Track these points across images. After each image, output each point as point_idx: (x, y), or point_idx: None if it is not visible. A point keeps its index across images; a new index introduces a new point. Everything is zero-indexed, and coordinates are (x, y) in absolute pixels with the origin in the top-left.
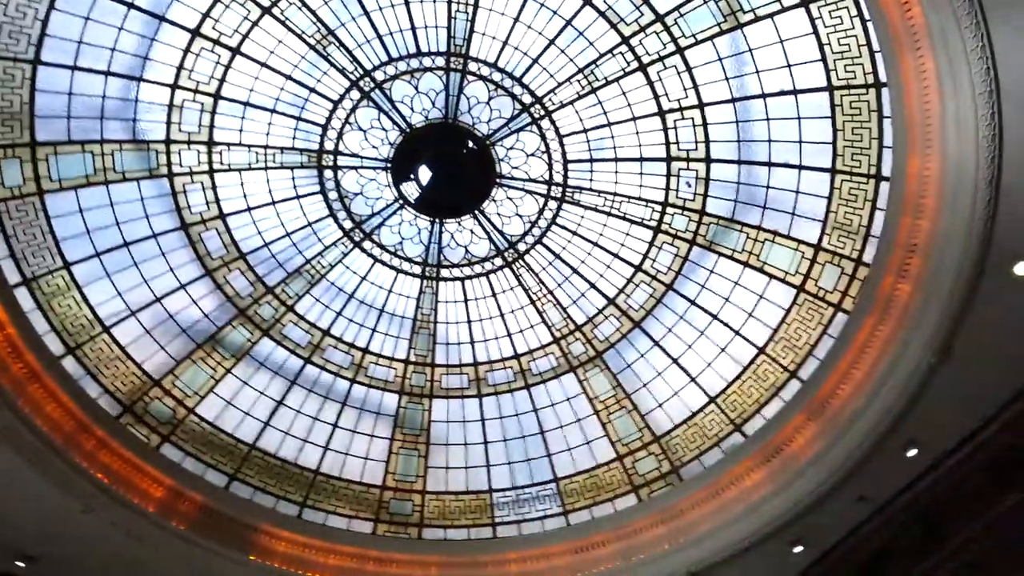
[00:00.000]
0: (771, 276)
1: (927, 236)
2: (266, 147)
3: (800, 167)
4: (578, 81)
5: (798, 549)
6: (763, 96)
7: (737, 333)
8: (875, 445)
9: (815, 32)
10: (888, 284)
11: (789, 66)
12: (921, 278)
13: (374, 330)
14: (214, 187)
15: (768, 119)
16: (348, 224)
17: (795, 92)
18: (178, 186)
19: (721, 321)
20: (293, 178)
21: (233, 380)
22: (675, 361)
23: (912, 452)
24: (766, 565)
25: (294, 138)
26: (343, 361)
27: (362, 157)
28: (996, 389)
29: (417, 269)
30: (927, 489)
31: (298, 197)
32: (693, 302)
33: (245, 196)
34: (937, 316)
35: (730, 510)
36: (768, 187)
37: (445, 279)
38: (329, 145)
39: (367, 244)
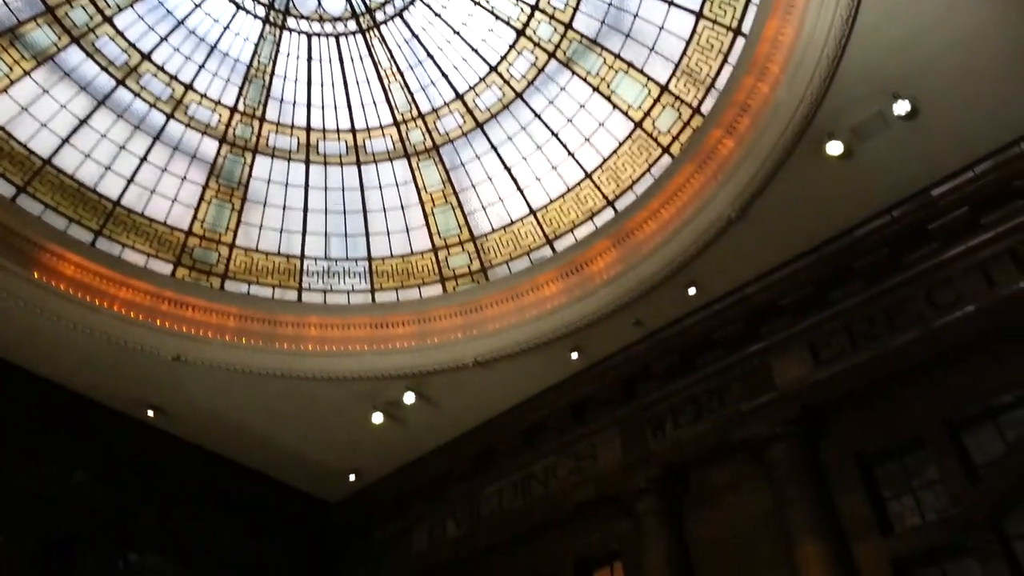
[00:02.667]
0: (615, 106)
1: (762, 100)
2: None
3: (670, 3)
4: None
5: (574, 355)
6: None
7: (571, 155)
8: (662, 280)
9: None
10: (715, 137)
11: None
12: (745, 138)
13: (202, 67)
14: None
15: None
16: None
17: None
18: None
19: (559, 140)
20: None
21: (32, 85)
22: (507, 169)
23: (691, 291)
24: (543, 365)
25: None
26: (161, 92)
27: None
28: (774, 252)
29: (261, 11)
30: (692, 325)
31: None
32: (538, 115)
33: None
34: (748, 176)
35: (524, 314)
36: (636, 16)
37: (291, 29)
38: None
39: None
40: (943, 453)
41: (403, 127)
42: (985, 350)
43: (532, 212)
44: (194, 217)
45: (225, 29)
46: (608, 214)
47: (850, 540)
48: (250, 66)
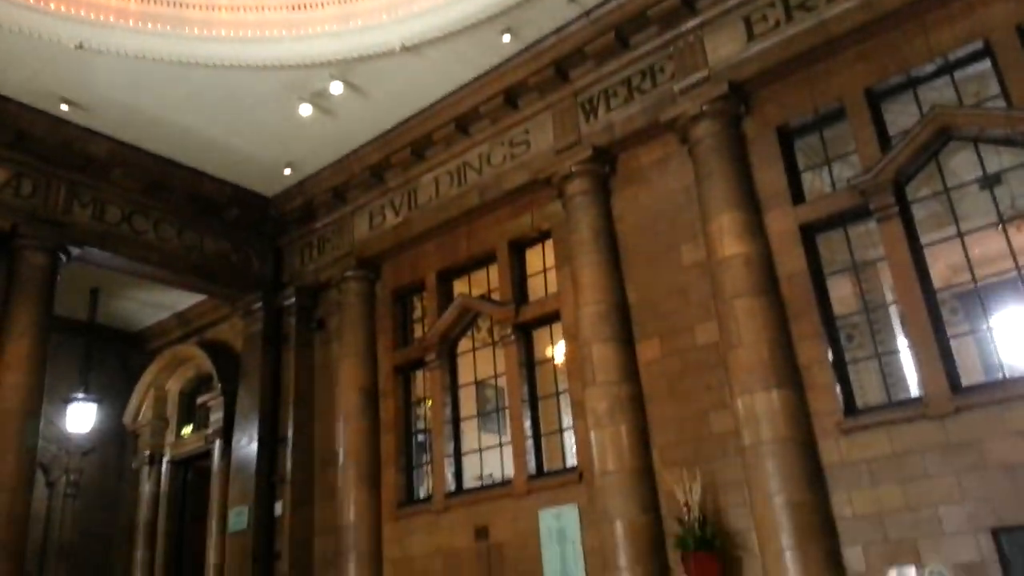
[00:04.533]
0: None
1: None
2: None
3: None
4: None
5: (507, 38)
6: None
7: None
8: None
9: None
10: None
11: None
12: None
13: None
14: None
15: None
16: None
17: None
18: None
19: None
20: None
21: None
22: None
23: None
24: (474, 49)
25: None
26: None
27: None
28: None
29: None
30: (629, 2)
31: None
32: None
33: None
34: None
35: None
36: None
37: None
38: None
39: None
40: (861, 124)
41: None
42: (916, 19)
43: None
44: None
45: None
46: None
47: (763, 210)
48: None
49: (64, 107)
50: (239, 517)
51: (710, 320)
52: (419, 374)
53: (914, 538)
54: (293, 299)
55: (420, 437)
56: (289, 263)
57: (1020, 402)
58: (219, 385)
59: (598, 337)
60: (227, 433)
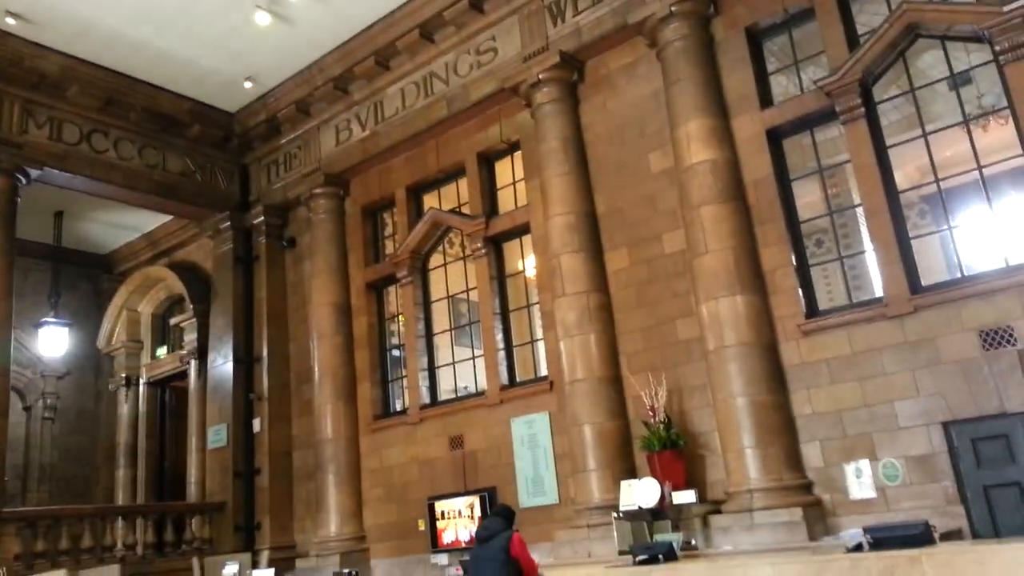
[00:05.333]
0: None
1: None
2: None
3: None
4: None
5: None
6: None
7: None
8: None
9: None
10: None
11: None
12: None
13: None
14: None
15: None
16: None
17: None
18: None
19: None
20: None
21: None
22: None
23: None
24: None
25: None
26: None
27: None
28: None
29: None
30: None
31: None
32: None
33: None
34: None
35: None
36: None
37: None
38: None
39: None
40: (830, 23)
41: None
42: None
43: None
44: None
45: None
46: None
47: (731, 115)
48: None
49: (10, 20)
50: (218, 435)
51: (678, 228)
52: (392, 290)
53: (870, 433)
54: (262, 218)
55: (395, 352)
56: (256, 181)
57: (974, 300)
58: (191, 306)
59: (567, 248)
60: (202, 353)
